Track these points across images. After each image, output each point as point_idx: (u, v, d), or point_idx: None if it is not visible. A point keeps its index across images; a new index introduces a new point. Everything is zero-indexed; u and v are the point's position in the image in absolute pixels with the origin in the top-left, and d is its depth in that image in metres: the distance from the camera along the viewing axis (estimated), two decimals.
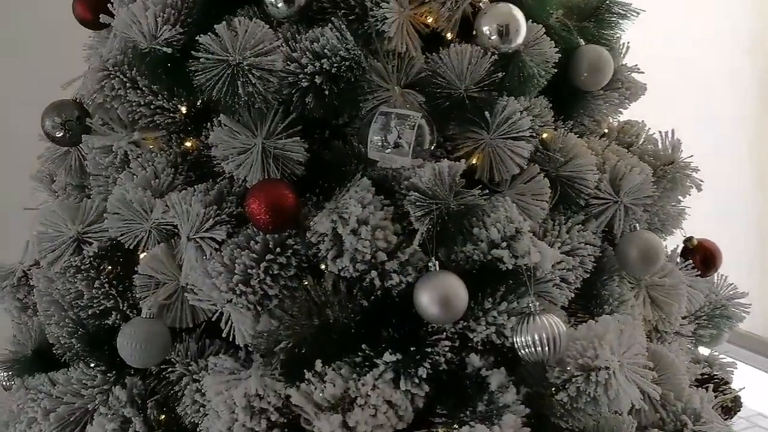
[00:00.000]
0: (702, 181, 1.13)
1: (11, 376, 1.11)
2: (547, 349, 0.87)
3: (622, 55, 1.15)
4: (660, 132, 1.13)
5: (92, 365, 1.02)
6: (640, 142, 1.14)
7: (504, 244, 0.91)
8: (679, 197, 1.15)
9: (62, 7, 1.19)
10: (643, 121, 1.18)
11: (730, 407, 1.11)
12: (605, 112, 1.13)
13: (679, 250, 1.19)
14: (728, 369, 1.26)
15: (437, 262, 0.90)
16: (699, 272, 1.17)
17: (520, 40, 0.94)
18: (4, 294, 1.18)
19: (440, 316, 0.88)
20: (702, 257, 1.19)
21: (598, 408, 0.88)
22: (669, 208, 1.15)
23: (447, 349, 0.90)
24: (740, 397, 1.14)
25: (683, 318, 1.13)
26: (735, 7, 1.92)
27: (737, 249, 1.59)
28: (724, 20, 1.92)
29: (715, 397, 1.07)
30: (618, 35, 1.14)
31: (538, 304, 0.90)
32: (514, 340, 0.89)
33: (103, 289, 0.99)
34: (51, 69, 1.26)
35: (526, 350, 0.88)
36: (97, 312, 1.01)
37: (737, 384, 1.25)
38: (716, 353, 1.30)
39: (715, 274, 1.25)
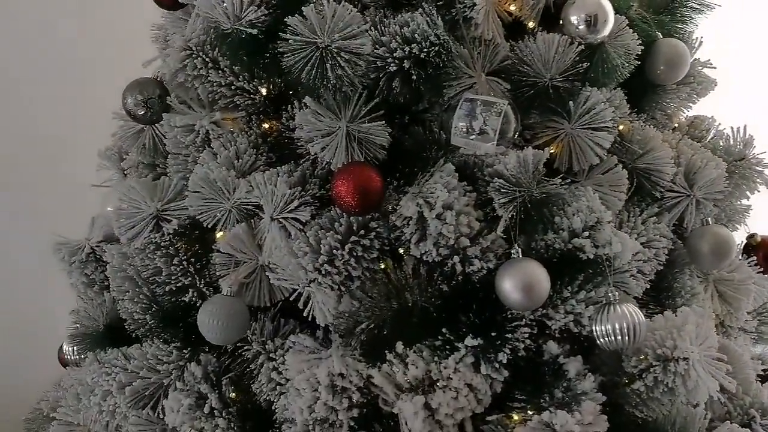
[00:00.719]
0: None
1: (82, 349, 1.12)
2: (627, 338, 0.88)
3: (695, 50, 1.16)
4: (731, 127, 1.14)
5: (167, 341, 1.03)
6: (710, 138, 1.14)
7: (585, 234, 0.91)
8: (748, 193, 1.15)
9: None
10: (712, 116, 1.18)
11: None
12: (676, 105, 1.13)
13: (742, 246, 1.20)
14: None
15: (520, 249, 0.91)
16: (762, 269, 1.17)
17: (607, 31, 0.95)
18: (72, 269, 1.19)
19: (523, 303, 0.89)
20: (765, 254, 1.19)
21: (675, 398, 0.89)
22: (736, 204, 1.16)
23: (526, 335, 0.91)
24: None
25: (747, 313, 1.14)
26: None
27: None
28: None
29: None
30: (691, 29, 1.14)
31: (617, 293, 0.91)
32: (594, 328, 0.90)
33: (181, 266, 1.01)
34: (118, 49, 1.27)
35: (606, 339, 0.89)
36: (174, 289, 1.02)
37: None
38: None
39: None
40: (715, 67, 1.16)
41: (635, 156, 1.01)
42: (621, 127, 1.03)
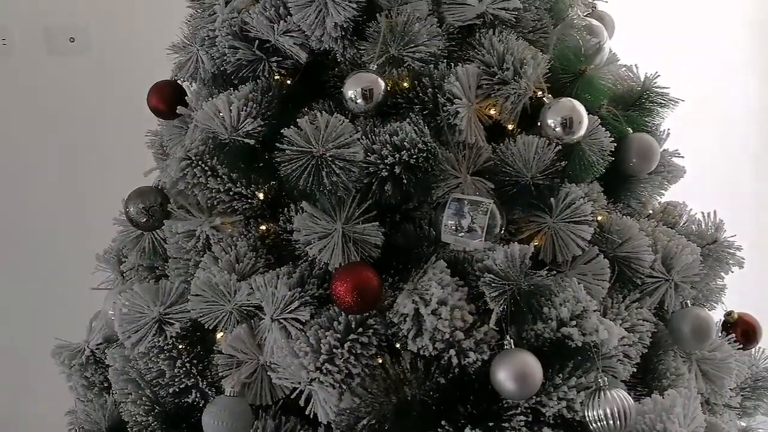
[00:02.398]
0: (743, 259, 1.19)
1: None
2: (618, 422, 0.92)
3: (663, 141, 1.23)
4: (702, 212, 1.20)
5: None
6: (683, 223, 1.21)
7: (573, 323, 0.96)
8: (723, 274, 1.21)
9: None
10: (683, 201, 1.25)
11: None
12: (648, 194, 1.20)
13: (720, 325, 1.25)
14: None
15: (512, 340, 0.95)
16: (741, 345, 1.22)
17: (582, 131, 1.02)
18: (72, 372, 1.21)
19: (517, 392, 0.93)
20: (743, 330, 1.24)
21: None
22: (712, 285, 1.22)
23: (522, 423, 0.94)
24: None
25: (730, 390, 1.18)
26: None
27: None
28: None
29: None
30: (659, 122, 1.22)
31: (606, 379, 0.95)
32: (586, 414, 0.94)
33: (184, 368, 1.04)
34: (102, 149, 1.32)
35: (598, 424, 0.93)
36: (177, 390, 1.04)
37: None
38: (754, 423, 1.35)
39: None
40: (683, 156, 1.24)
41: (615, 245, 1.07)
42: (600, 218, 1.09)
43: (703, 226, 1.19)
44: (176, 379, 1.04)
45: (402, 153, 0.97)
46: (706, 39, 2.02)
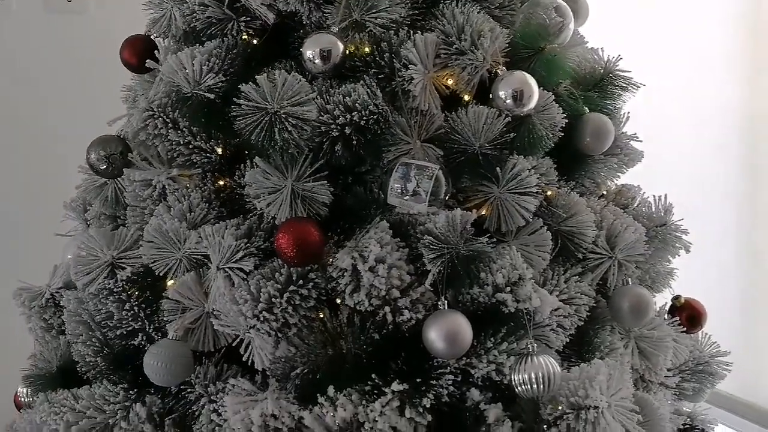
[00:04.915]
0: (690, 243, 1.22)
1: (35, 391, 1.17)
2: (541, 386, 0.95)
3: (622, 124, 1.26)
4: (654, 196, 1.23)
5: (115, 383, 1.08)
6: (635, 205, 1.23)
7: (508, 289, 0.99)
8: (669, 257, 1.23)
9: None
10: (638, 185, 1.27)
11: None
12: (604, 175, 1.22)
13: (667, 307, 1.27)
14: (709, 425, 1.34)
15: (446, 301, 0.98)
16: (685, 329, 1.25)
17: (532, 105, 1.04)
18: (31, 314, 1.25)
19: (446, 351, 0.96)
20: (688, 315, 1.27)
21: None
22: (659, 267, 1.24)
23: (450, 382, 0.97)
24: None
25: (668, 370, 1.21)
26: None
27: (724, 311, 1.69)
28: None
29: None
30: (620, 105, 1.24)
31: (535, 345, 0.98)
32: (512, 377, 0.97)
33: (132, 312, 1.07)
34: (94, 107, 1.35)
35: (523, 387, 0.96)
36: (125, 333, 1.08)
37: None
38: (699, 408, 1.37)
39: (700, 333, 1.34)
40: (641, 140, 1.26)
41: (560, 219, 1.10)
42: (549, 193, 1.12)
43: (653, 209, 1.21)
44: (124, 322, 1.07)
45: (353, 114, 1.00)
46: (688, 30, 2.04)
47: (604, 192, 1.25)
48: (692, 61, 2.04)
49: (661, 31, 2.08)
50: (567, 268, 1.10)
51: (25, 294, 1.25)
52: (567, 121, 1.12)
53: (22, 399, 1.24)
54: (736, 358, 1.36)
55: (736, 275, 2.09)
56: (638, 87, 1.24)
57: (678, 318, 1.25)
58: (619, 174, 1.26)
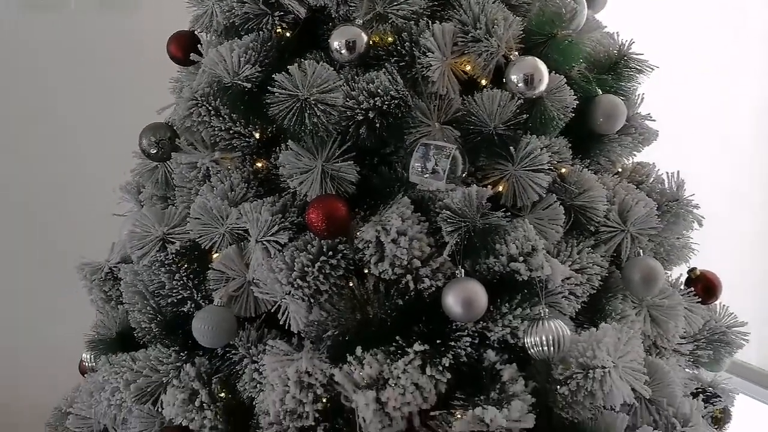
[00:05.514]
0: (703, 217, 1.28)
1: (97, 355, 1.30)
2: (552, 348, 1.03)
3: (637, 105, 1.32)
4: (667, 172, 1.29)
5: (168, 346, 1.20)
6: (650, 181, 1.30)
7: (521, 259, 1.07)
8: (684, 231, 1.30)
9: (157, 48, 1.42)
10: (653, 162, 1.34)
11: (720, 418, 1.24)
12: (619, 153, 1.29)
13: (683, 279, 1.34)
14: (730, 394, 1.40)
15: (463, 270, 1.07)
16: (700, 299, 1.31)
17: (542, 87, 1.12)
18: (92, 286, 1.38)
19: (463, 315, 1.04)
20: (704, 286, 1.33)
21: (595, 402, 1.03)
22: (674, 240, 1.30)
23: (468, 344, 1.06)
24: (729, 409, 1.27)
25: (682, 338, 1.27)
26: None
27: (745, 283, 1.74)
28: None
29: (705, 407, 1.20)
30: (634, 87, 1.30)
31: (548, 311, 1.06)
32: (525, 340, 1.05)
33: (181, 281, 1.18)
34: (146, 98, 1.47)
35: (535, 349, 1.04)
36: (175, 301, 1.19)
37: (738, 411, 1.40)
38: (719, 378, 1.44)
39: (718, 304, 1.40)
40: (654, 120, 1.32)
41: (573, 195, 1.17)
42: (563, 170, 1.19)
43: (666, 185, 1.27)
44: (174, 291, 1.19)
45: (376, 99, 1.09)
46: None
47: (620, 169, 1.31)
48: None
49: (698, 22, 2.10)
50: (580, 240, 1.17)
51: (87, 268, 1.38)
52: (579, 102, 1.19)
53: (86, 364, 1.37)
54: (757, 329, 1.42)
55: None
56: (652, 69, 1.30)
57: (693, 289, 1.31)
58: (636, 152, 1.32)
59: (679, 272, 1.36)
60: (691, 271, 1.34)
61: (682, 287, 1.32)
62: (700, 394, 1.27)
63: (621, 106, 1.23)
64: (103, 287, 1.38)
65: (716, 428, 1.24)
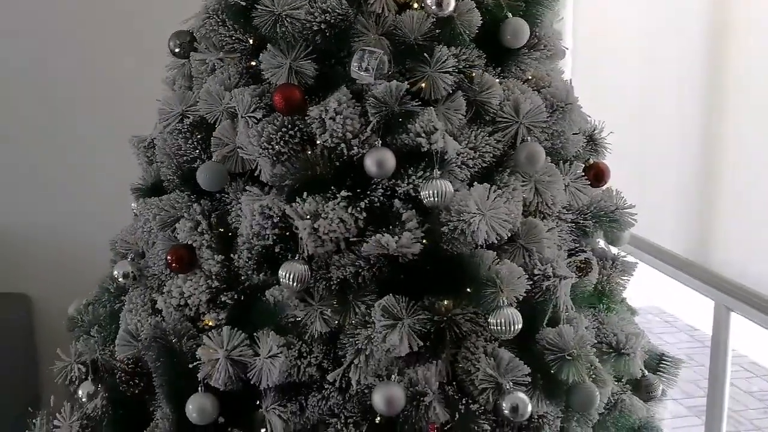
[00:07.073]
0: (590, 116, 1.65)
1: (137, 198, 1.80)
2: (437, 199, 1.45)
3: (551, 25, 1.68)
4: (563, 80, 1.66)
5: (183, 191, 1.68)
6: (548, 87, 1.66)
7: (424, 135, 1.48)
8: (576, 130, 1.67)
9: None
10: (563, 72, 1.70)
11: (583, 267, 1.63)
12: (527, 64, 1.66)
13: (581, 169, 1.72)
14: (629, 265, 1.79)
15: (380, 141, 1.49)
16: (590, 183, 1.69)
17: (450, 9, 1.50)
18: (139, 152, 1.87)
19: (377, 173, 1.47)
20: (594, 173, 1.71)
21: (465, 239, 1.45)
22: (571, 136, 1.68)
23: (380, 194, 1.49)
24: (591, 260, 1.65)
25: (566, 209, 1.66)
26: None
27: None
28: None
29: (569, 257, 1.60)
30: (544, 11, 1.66)
31: (440, 173, 1.47)
32: (421, 193, 1.47)
33: (193, 144, 1.65)
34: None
35: (427, 199, 1.46)
36: (189, 159, 1.67)
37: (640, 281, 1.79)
38: (621, 252, 1.82)
39: (613, 190, 1.77)
40: (562, 40, 1.68)
41: (476, 93, 1.56)
42: (473, 74, 1.58)
43: (560, 89, 1.64)
44: (188, 151, 1.66)
45: (326, 14, 1.50)
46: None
47: (529, 77, 1.69)
48: None
49: None
50: (479, 127, 1.57)
51: (136, 139, 1.88)
52: (493, 23, 1.57)
53: (133, 211, 1.88)
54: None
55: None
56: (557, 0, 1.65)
57: (585, 175, 1.69)
58: (545, 64, 1.69)
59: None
60: (586, 161, 1.72)
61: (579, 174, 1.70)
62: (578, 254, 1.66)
63: (525, 27, 1.60)
64: (146, 153, 1.87)
65: (580, 275, 1.63)
